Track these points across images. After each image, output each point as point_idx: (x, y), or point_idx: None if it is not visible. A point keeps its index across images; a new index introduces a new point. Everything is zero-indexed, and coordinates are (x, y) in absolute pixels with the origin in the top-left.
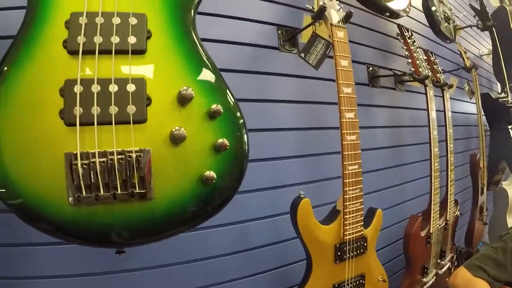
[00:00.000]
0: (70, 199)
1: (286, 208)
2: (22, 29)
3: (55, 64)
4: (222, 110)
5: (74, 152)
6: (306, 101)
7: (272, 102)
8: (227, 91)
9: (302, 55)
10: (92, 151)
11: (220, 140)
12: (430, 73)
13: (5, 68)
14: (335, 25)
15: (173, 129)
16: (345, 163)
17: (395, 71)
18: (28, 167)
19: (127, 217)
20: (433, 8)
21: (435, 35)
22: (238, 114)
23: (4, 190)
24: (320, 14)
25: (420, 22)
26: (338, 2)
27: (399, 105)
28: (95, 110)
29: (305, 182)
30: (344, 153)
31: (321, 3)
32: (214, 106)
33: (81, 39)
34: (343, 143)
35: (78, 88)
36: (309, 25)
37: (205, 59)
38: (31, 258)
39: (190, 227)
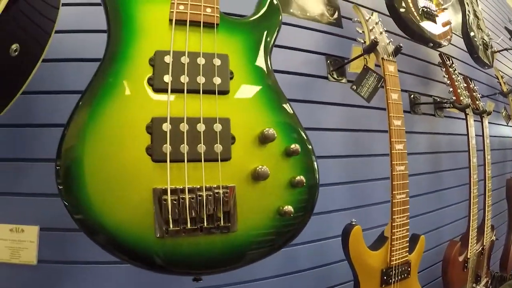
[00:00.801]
0: (157, 232)
1: (332, 233)
2: (104, 63)
3: (140, 101)
4: (300, 150)
5: (163, 188)
6: (352, 129)
7: (321, 130)
8: (301, 129)
9: (354, 87)
10: (182, 187)
11: (298, 178)
12: (469, 101)
13: (90, 102)
14: (386, 59)
15: (258, 167)
16: (394, 192)
17: (435, 98)
18: (113, 200)
19: (210, 248)
20: (472, 34)
21: (474, 62)
22: (311, 149)
23: (87, 219)
24: (372, 48)
25: (456, 46)
26: (387, 34)
27: (438, 131)
28: (185, 148)
29: (350, 207)
30: (393, 183)
31: (372, 37)
32: (293, 146)
33: (168, 78)
34: (393, 173)
35: (168, 127)
36: (358, 57)
37: (282, 98)
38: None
39: (266, 256)
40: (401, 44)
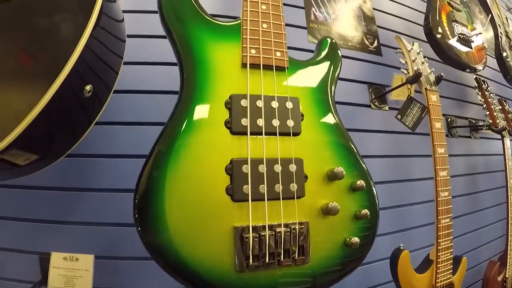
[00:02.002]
0: (238, 267)
1: (378, 256)
2: (180, 106)
3: (219, 143)
4: (365, 186)
5: (245, 225)
6: (394, 155)
7: (365, 158)
8: (363, 164)
9: (399, 116)
10: (262, 225)
11: (363, 212)
12: (505, 123)
13: (170, 144)
14: (429, 90)
15: (329, 204)
16: (439, 217)
17: (471, 120)
18: (195, 239)
19: (285, 279)
20: (504, 54)
21: (507, 82)
22: (372, 183)
23: (169, 258)
24: (415, 79)
25: (489, 67)
26: (428, 64)
27: (474, 153)
28: (264, 188)
29: (394, 231)
30: (438, 208)
31: (415, 67)
32: (359, 183)
33: (247, 122)
34: (438, 199)
35: (248, 169)
36: (401, 86)
37: (346, 134)
38: None
39: (335, 283)
40: (442, 74)
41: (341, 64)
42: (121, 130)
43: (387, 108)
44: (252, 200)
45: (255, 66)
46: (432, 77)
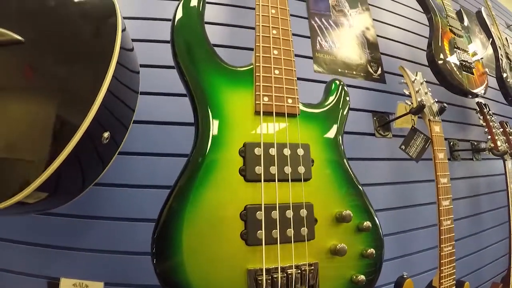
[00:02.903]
0: None
1: (382, 281)
2: (196, 154)
3: (233, 190)
4: (371, 227)
5: (258, 268)
6: (398, 182)
7: (370, 186)
8: (369, 204)
9: (403, 147)
10: (275, 267)
11: (370, 251)
12: (506, 145)
13: (186, 191)
14: (433, 121)
15: (338, 245)
16: (442, 246)
17: (473, 142)
18: (208, 277)
19: None
20: (505, 75)
21: (508, 104)
22: (378, 223)
23: None
24: (419, 111)
25: (490, 87)
26: (431, 93)
27: (477, 174)
28: (277, 233)
29: (397, 257)
30: (441, 237)
31: (419, 99)
32: (365, 224)
33: (260, 170)
34: (441, 228)
35: (262, 215)
36: (404, 115)
37: (353, 177)
38: None
39: None
40: (445, 104)
41: (349, 106)
42: (134, 161)
43: (391, 135)
44: (265, 244)
45: (268, 114)
46: (435, 107)
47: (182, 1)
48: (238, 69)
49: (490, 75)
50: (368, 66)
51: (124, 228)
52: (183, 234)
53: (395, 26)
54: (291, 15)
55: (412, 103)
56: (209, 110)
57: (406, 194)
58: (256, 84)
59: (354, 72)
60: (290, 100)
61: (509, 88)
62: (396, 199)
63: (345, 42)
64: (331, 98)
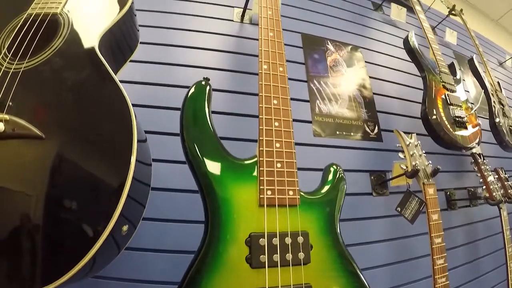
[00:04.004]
0: None
1: None
2: (206, 245)
3: (241, 276)
4: None
5: None
6: (395, 238)
7: (368, 244)
8: (366, 283)
9: (399, 209)
10: None
11: None
12: (502, 191)
13: (199, 279)
14: (427, 184)
15: None
16: (436, 286)
17: (469, 189)
18: None
19: None
20: (497, 120)
21: (503, 149)
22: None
23: None
24: (413, 175)
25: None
26: (424, 154)
27: (474, 220)
28: None
29: None
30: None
31: (413, 163)
32: None
33: (265, 258)
34: (436, 286)
35: None
36: (399, 176)
37: (350, 260)
38: None
39: None
40: (439, 166)
41: (345, 189)
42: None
43: (388, 193)
44: None
45: (271, 206)
46: (429, 169)
47: (190, 92)
48: (243, 162)
49: (483, 117)
50: (365, 126)
51: None
52: None
53: (390, 82)
54: (290, 79)
55: (407, 167)
56: (217, 201)
57: (403, 248)
58: (260, 178)
59: (352, 133)
60: (291, 192)
61: (502, 133)
62: (394, 254)
63: (343, 103)
64: (328, 186)
